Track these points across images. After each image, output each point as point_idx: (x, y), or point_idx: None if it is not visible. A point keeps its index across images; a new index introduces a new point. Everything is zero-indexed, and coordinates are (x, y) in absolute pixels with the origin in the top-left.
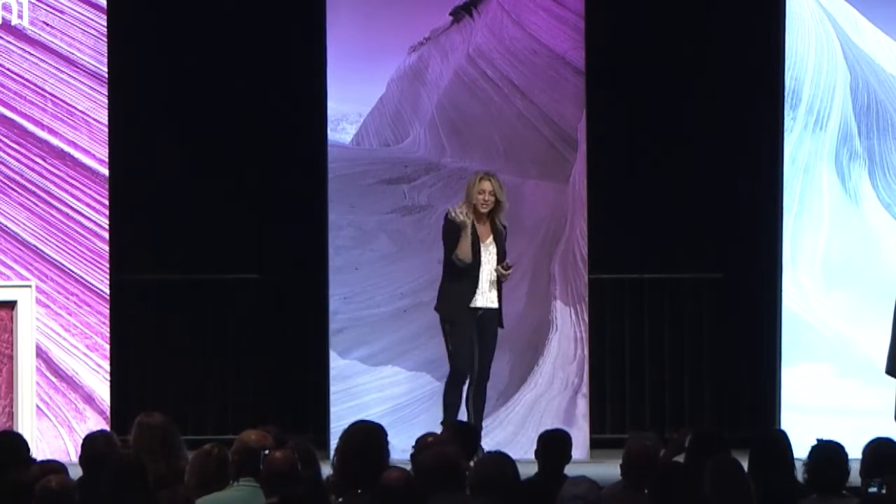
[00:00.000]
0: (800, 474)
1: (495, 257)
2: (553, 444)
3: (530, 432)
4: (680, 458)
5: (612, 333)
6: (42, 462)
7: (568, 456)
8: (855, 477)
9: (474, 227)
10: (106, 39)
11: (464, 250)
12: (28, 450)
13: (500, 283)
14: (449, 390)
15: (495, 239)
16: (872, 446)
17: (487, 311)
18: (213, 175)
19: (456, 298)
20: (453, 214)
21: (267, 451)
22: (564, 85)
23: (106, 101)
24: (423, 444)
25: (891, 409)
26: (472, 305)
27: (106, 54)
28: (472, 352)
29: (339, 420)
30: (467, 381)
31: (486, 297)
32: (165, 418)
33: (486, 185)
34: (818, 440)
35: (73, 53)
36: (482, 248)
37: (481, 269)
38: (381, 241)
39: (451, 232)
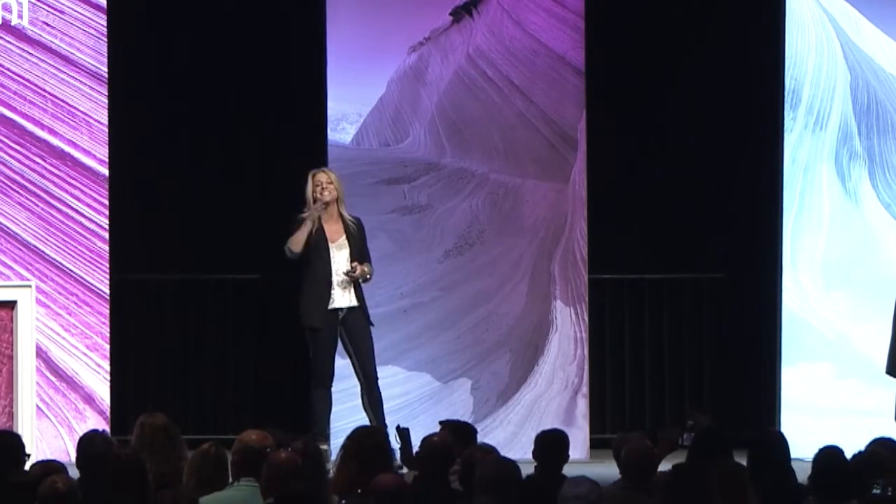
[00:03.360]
0: (801, 475)
1: (348, 256)
2: (550, 445)
3: (530, 432)
4: (674, 456)
5: (612, 333)
6: (41, 462)
7: (565, 455)
8: None
9: (321, 227)
10: (106, 39)
11: (295, 239)
12: (24, 449)
13: (356, 281)
14: (311, 396)
15: (348, 238)
16: (873, 447)
17: (349, 311)
18: (213, 175)
19: (313, 304)
20: (299, 215)
21: (269, 450)
22: (564, 85)
23: (106, 101)
24: (428, 444)
25: (891, 409)
26: (331, 307)
27: (106, 54)
28: (331, 357)
29: (339, 420)
30: (331, 386)
31: (343, 296)
32: (167, 418)
33: (322, 177)
34: (821, 448)
35: (73, 53)
36: (332, 248)
37: (333, 270)
38: (381, 241)
39: (293, 224)
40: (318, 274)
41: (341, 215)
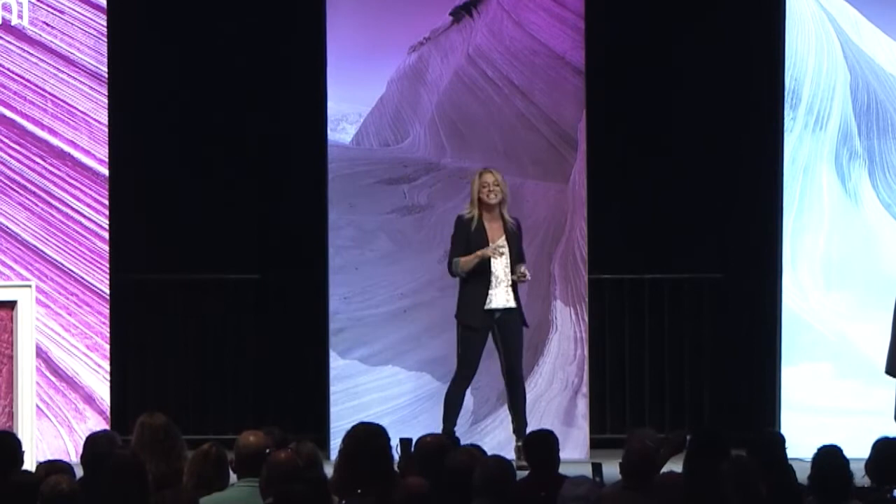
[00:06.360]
0: (801, 475)
1: (507, 257)
2: (538, 445)
3: None
4: (678, 458)
5: (612, 333)
6: (47, 462)
7: (557, 457)
8: (857, 476)
9: (482, 227)
10: (106, 39)
11: (467, 265)
12: (21, 448)
13: (514, 282)
14: (450, 392)
15: (508, 239)
16: (879, 446)
17: (505, 312)
18: (213, 175)
19: (471, 302)
20: (463, 213)
21: (269, 451)
22: (564, 85)
23: (106, 101)
24: (422, 444)
25: (891, 409)
26: (488, 307)
27: (106, 54)
28: (479, 357)
29: (339, 420)
30: (469, 386)
31: (501, 297)
32: (167, 418)
33: (489, 177)
34: (821, 447)
35: (73, 53)
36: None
37: (493, 270)
38: (381, 241)
39: (460, 229)
40: (479, 273)
41: (502, 216)
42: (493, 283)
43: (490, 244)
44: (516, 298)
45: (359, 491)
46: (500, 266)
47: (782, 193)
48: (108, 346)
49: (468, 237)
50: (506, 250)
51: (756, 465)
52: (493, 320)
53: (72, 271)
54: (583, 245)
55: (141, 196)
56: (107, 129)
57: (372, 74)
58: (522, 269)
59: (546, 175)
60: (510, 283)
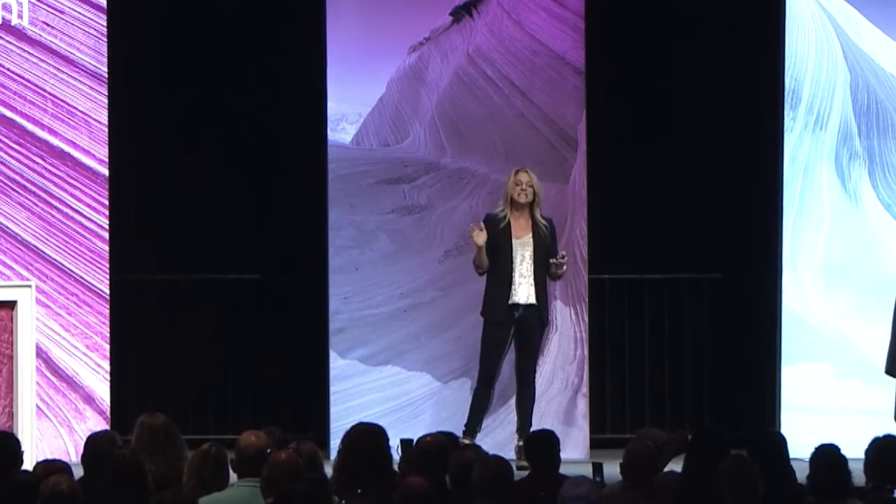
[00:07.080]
0: (800, 475)
1: (532, 255)
2: (539, 445)
3: None
4: (679, 458)
5: (612, 333)
6: (44, 461)
7: (557, 452)
8: (857, 476)
9: (508, 225)
10: (106, 39)
11: (476, 264)
12: (20, 448)
13: (538, 279)
14: (474, 392)
15: (535, 236)
16: (876, 445)
17: (526, 308)
18: (213, 175)
19: (492, 297)
20: (494, 212)
21: (269, 451)
22: (564, 85)
23: (106, 101)
24: (422, 444)
25: (891, 409)
26: (511, 302)
27: (106, 54)
28: (499, 353)
29: (339, 420)
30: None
31: (523, 293)
32: (167, 418)
33: (523, 177)
34: (818, 446)
35: (73, 53)
36: (515, 244)
37: (514, 266)
38: (381, 241)
39: (486, 227)
40: (500, 269)
41: (532, 215)
42: (516, 279)
43: (514, 240)
44: (539, 296)
45: (359, 491)
46: (524, 262)
47: (782, 193)
48: (108, 346)
49: (493, 234)
50: (526, 248)
51: (754, 465)
52: (514, 317)
53: (72, 271)
54: (583, 245)
55: (141, 196)
56: (107, 129)
57: (372, 74)
58: (561, 252)
59: (546, 175)
60: (533, 279)
